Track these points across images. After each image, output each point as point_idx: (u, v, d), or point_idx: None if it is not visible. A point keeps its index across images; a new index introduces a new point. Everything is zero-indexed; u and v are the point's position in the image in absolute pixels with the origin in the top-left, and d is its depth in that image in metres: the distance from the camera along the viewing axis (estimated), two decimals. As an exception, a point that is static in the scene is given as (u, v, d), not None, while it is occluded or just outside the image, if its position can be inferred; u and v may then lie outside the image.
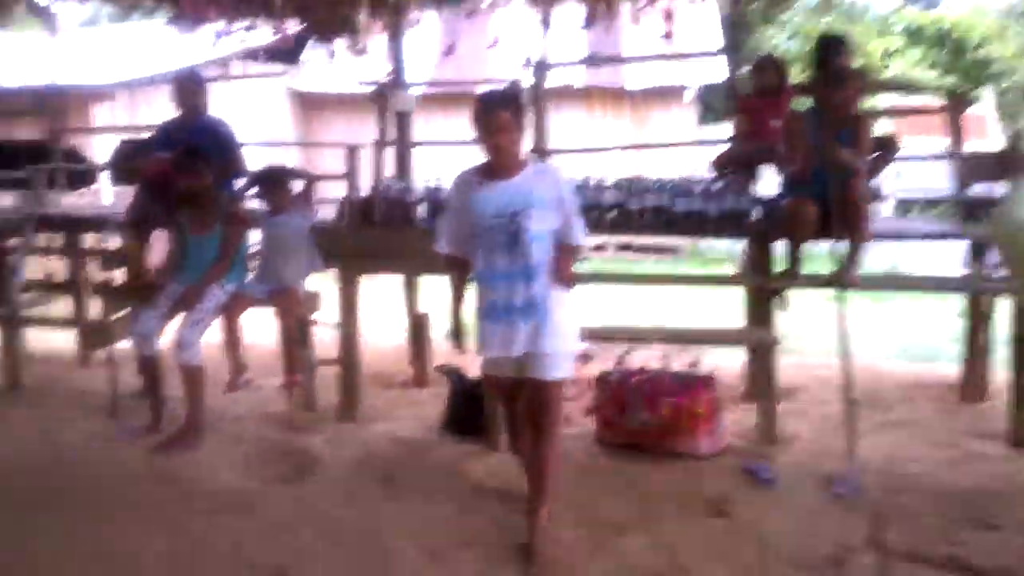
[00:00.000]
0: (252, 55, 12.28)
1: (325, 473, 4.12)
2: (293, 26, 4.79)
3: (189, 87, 5.14)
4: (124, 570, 3.23)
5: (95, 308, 5.50)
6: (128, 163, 4.94)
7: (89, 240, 5.60)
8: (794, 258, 4.53)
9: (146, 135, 5.57)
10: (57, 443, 4.45)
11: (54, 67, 8.87)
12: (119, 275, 5.26)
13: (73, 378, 5.59)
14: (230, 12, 4.55)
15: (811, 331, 5.96)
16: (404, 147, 5.97)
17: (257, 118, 13.80)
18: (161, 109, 10.76)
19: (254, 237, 4.87)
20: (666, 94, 13.78)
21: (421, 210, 4.80)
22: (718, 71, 14.00)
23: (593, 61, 11.41)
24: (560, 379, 3.29)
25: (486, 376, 3.53)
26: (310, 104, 15.26)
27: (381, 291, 5.96)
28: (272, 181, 4.67)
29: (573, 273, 3.37)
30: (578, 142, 13.34)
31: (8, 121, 10.27)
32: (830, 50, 5.15)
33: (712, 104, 17.41)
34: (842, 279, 4.37)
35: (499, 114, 3.14)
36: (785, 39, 18.84)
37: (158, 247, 5.12)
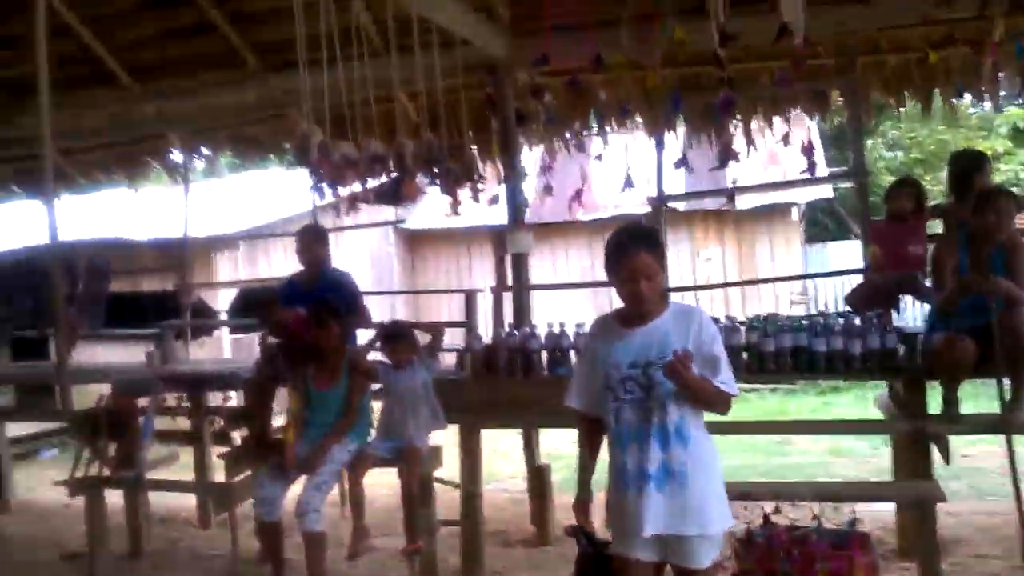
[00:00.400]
0: (363, 199, 12.71)
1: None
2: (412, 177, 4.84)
3: (313, 240, 5.20)
4: None
5: (218, 468, 5.46)
6: (266, 314, 4.93)
7: (214, 398, 5.62)
8: (952, 399, 4.15)
9: (267, 284, 5.71)
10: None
11: (178, 219, 9.36)
12: (242, 434, 5.23)
13: (194, 541, 5.52)
14: (365, 173, 4.61)
15: (958, 473, 5.42)
16: (522, 290, 5.85)
17: (364, 258, 14.23)
18: (278, 258, 11.30)
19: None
20: (772, 212, 13.55)
21: (544, 358, 4.64)
22: (823, 188, 13.96)
23: (713, 193, 11.29)
24: (710, 567, 2.84)
25: (616, 556, 2.95)
26: (415, 240, 15.60)
27: (496, 438, 5.77)
28: (397, 335, 4.60)
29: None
30: (686, 270, 13.36)
31: (135, 274, 10.79)
32: (971, 169, 4.89)
33: (817, 220, 17.08)
34: (1011, 422, 3.96)
35: (638, 256, 2.79)
36: (885, 150, 18.44)
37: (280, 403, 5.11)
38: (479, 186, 5.04)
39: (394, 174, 4.90)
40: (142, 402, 5.29)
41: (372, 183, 4.97)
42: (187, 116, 6.89)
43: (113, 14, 6.39)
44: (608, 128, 6.85)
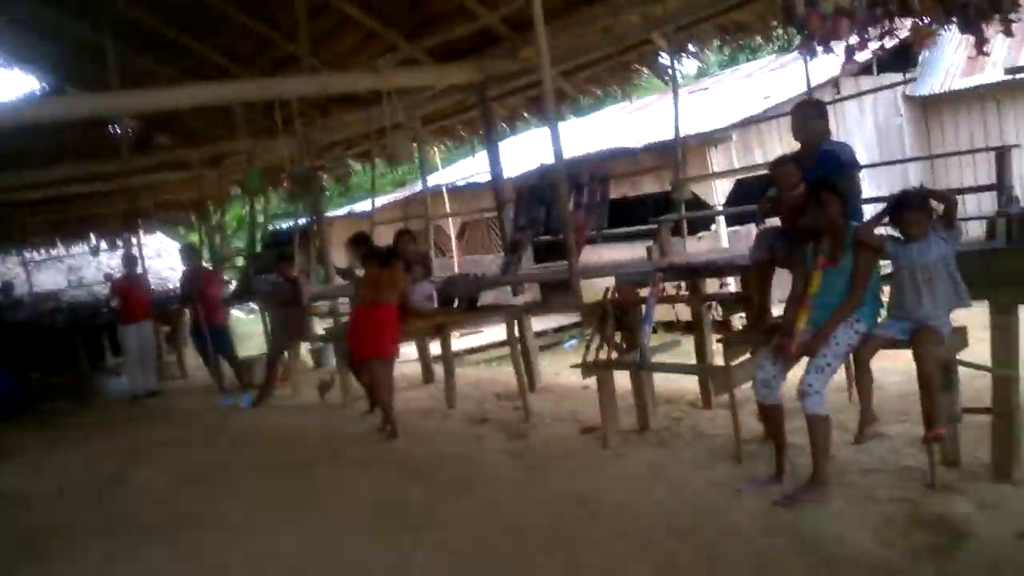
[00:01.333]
0: (864, 69, 11.74)
1: (978, 548, 3.35)
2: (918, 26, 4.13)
3: (810, 115, 4.83)
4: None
5: (718, 353, 5.51)
6: (764, 202, 4.79)
7: (711, 286, 5.64)
8: None
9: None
10: (685, 489, 4.44)
11: (670, 121, 9.63)
12: (740, 319, 5.17)
13: (697, 420, 5.66)
14: (863, 21, 4.07)
15: None
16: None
17: (869, 131, 13.22)
18: (773, 146, 10.97)
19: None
20: None
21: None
22: None
23: None
24: None
25: None
26: (929, 106, 13.97)
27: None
28: (908, 204, 4.07)
29: None
30: None
31: (634, 177, 11.41)
32: None
33: None
34: None
35: None
36: None
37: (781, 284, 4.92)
38: (1012, 16, 4.09)
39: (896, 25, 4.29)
40: (644, 292, 5.53)
41: (871, 36, 4.36)
42: (671, 14, 6.90)
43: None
44: None
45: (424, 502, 4.81)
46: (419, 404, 7.40)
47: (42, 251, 15.40)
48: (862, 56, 4.91)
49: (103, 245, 14.86)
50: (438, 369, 7.95)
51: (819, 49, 4.43)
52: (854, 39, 4.25)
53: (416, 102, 9.04)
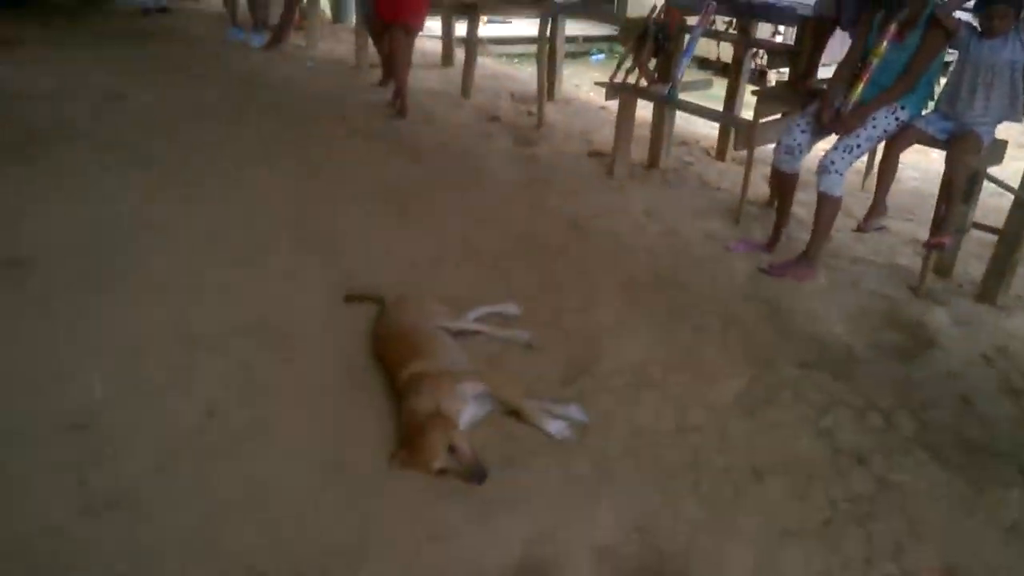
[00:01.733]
0: None
1: (942, 359, 3.44)
2: None
3: None
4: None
5: (749, 106, 5.26)
6: None
7: (763, 30, 5.25)
8: None
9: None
10: (677, 235, 4.44)
11: None
12: (779, 74, 4.88)
13: (706, 169, 5.56)
14: None
15: None
16: None
17: None
18: None
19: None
20: None
21: None
22: None
23: None
24: None
25: None
26: None
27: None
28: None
29: None
30: None
31: None
32: None
33: None
34: None
35: None
36: None
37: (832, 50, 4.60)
38: None
39: None
40: (692, 20, 5.14)
41: None
42: None
43: None
44: None
45: (420, 185, 4.81)
46: (433, 86, 7.17)
47: None
48: None
49: None
50: (459, 52, 7.62)
51: None
52: None
53: None
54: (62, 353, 2.97)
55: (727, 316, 3.62)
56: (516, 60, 9.64)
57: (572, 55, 9.56)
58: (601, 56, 10.40)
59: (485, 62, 7.88)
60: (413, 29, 6.14)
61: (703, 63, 9.57)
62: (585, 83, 7.89)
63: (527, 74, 7.71)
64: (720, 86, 5.78)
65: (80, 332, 3.10)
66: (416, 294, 3.32)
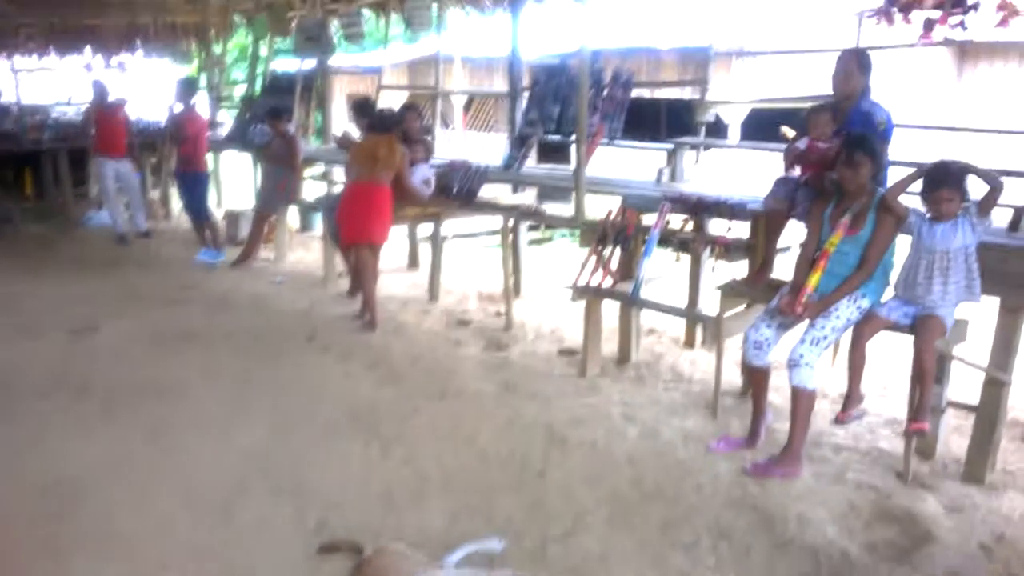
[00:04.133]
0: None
1: (940, 553, 3.33)
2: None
3: (853, 67, 4.39)
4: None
5: (710, 297, 5.36)
6: (791, 152, 4.51)
7: (717, 226, 5.41)
8: None
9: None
10: (657, 438, 4.38)
11: (701, 25, 9.06)
12: (741, 267, 5.00)
13: (677, 359, 5.58)
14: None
15: None
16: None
17: (912, 83, 12.59)
18: (806, 72, 10.30)
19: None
20: None
21: None
22: None
23: None
24: None
25: None
26: (967, 56, 13.29)
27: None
28: (942, 180, 3.80)
29: None
30: None
31: (655, 80, 10.86)
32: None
33: None
34: None
35: None
36: None
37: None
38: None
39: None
40: (647, 219, 5.31)
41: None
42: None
43: None
44: None
45: (394, 407, 4.76)
46: (401, 291, 7.28)
47: (33, 58, 14.66)
48: (939, 33, 4.49)
49: (99, 62, 14.15)
50: (423, 251, 7.79)
51: (897, 16, 4.03)
52: (936, 12, 3.87)
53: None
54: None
55: (718, 530, 3.51)
56: (479, 248, 9.80)
57: (536, 241, 9.76)
58: (564, 235, 10.66)
59: (450, 254, 8.01)
60: (378, 246, 6.29)
61: (661, 240, 9.76)
62: (550, 267, 8.01)
63: (493, 265, 7.85)
64: (682, 264, 5.84)
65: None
66: (391, 548, 3.19)
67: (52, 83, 15.69)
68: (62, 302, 6.75)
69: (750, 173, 7.46)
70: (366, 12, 11.55)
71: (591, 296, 5.19)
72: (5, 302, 6.76)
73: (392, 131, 6.33)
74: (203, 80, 11.90)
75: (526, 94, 7.82)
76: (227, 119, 11.73)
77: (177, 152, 8.71)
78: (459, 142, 12.65)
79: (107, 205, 9.50)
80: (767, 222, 4.81)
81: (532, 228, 8.68)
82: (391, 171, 6.21)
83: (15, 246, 8.83)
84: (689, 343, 5.79)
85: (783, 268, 4.73)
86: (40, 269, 7.85)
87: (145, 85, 15.41)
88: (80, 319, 6.25)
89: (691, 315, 5.18)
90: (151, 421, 4.55)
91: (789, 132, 5.67)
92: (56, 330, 6.03)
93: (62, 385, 5.03)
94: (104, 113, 9.23)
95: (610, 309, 5.50)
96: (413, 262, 8.21)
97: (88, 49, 14.27)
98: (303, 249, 8.88)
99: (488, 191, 7.06)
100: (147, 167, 10.82)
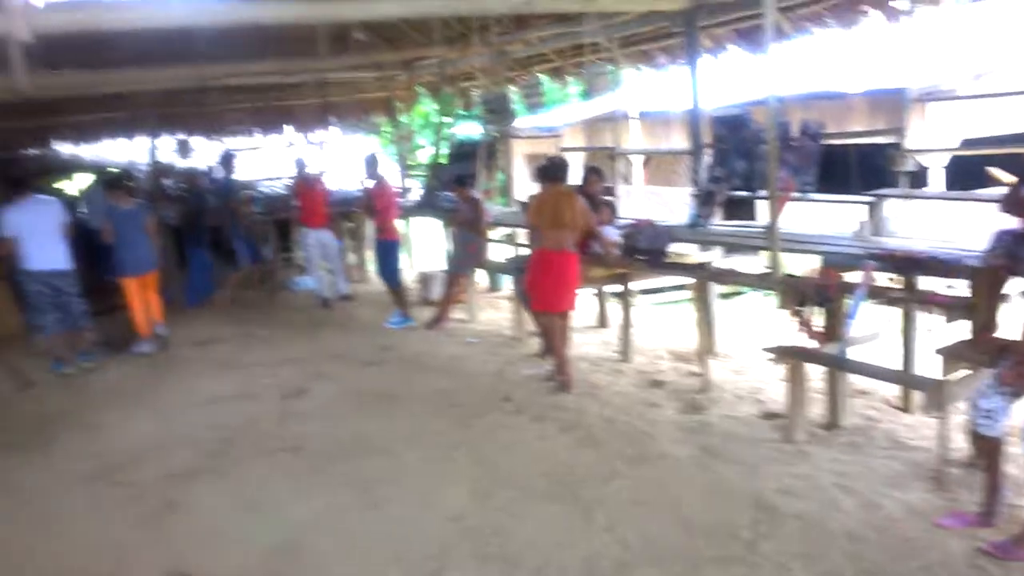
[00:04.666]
0: None
1: None
2: None
3: None
4: None
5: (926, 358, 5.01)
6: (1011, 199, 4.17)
7: (927, 282, 5.08)
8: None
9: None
10: (877, 511, 4.11)
11: (895, 65, 8.49)
12: (963, 328, 4.63)
13: (893, 425, 5.22)
14: None
15: None
16: None
17: None
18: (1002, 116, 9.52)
19: None
20: None
21: None
22: None
23: None
24: None
25: None
26: None
27: None
28: None
29: None
30: None
31: (845, 127, 10.33)
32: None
33: None
34: None
35: None
36: None
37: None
38: None
39: None
40: (850, 276, 5.06)
41: None
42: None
43: None
44: None
45: (592, 470, 4.74)
46: (591, 351, 7.28)
47: (240, 138, 16.02)
48: None
49: (298, 138, 15.32)
50: (612, 311, 7.78)
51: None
52: None
53: (616, 23, 8.62)
54: None
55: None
56: (670, 304, 9.64)
57: (725, 295, 9.44)
58: (754, 289, 10.27)
59: (639, 313, 7.94)
60: (568, 313, 6.37)
61: (869, 296, 9.19)
62: (744, 325, 7.76)
63: (684, 322, 7.70)
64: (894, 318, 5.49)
65: None
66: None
67: (258, 160, 17.12)
68: (275, 363, 7.26)
69: (956, 223, 6.98)
70: (543, 77, 11.93)
71: (796, 359, 4.98)
72: (227, 360, 7.38)
73: (563, 178, 6.39)
74: (392, 150, 12.58)
75: (708, 150, 7.71)
76: (415, 186, 12.29)
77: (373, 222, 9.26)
78: (640, 199, 12.62)
79: (311, 271, 10.17)
80: (987, 280, 4.44)
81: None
82: (577, 232, 6.26)
83: (232, 310, 9.61)
84: (906, 407, 5.40)
85: (1007, 323, 4.35)
86: (255, 332, 8.50)
87: (340, 158, 16.50)
88: (291, 380, 6.70)
89: (909, 380, 4.84)
90: (359, 479, 4.78)
91: (1003, 176, 5.27)
92: (271, 391, 6.48)
93: (280, 444, 5.39)
94: (305, 186, 9.97)
95: (814, 369, 5.26)
96: (602, 321, 8.21)
97: (288, 128, 15.56)
98: (493, 309, 9.09)
99: (673, 247, 6.96)
100: (344, 234, 11.48)
